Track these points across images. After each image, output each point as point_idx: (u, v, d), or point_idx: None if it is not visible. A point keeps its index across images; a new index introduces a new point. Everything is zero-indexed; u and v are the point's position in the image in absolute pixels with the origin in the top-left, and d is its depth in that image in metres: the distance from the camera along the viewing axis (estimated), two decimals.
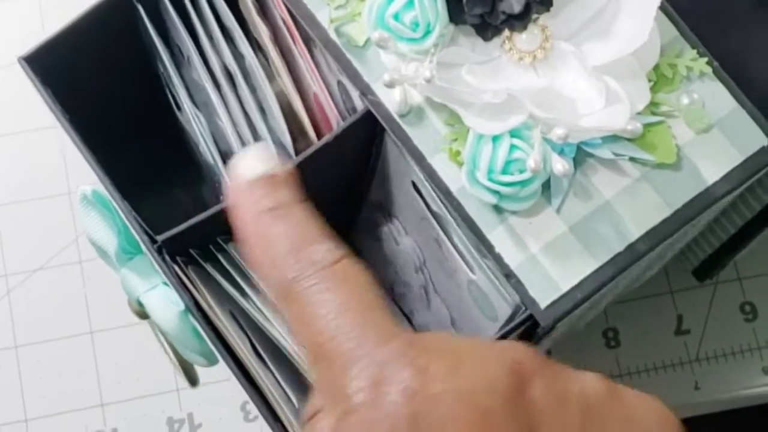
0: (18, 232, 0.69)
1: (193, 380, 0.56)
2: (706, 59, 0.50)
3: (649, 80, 0.50)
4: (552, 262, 0.48)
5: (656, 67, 0.50)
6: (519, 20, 0.48)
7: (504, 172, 0.47)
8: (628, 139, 0.49)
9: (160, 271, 0.50)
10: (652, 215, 0.49)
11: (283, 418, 0.48)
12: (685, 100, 0.50)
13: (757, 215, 0.57)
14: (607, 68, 0.48)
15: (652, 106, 0.49)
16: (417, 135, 0.49)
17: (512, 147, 0.47)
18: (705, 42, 0.51)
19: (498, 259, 0.48)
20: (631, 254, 0.48)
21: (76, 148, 0.51)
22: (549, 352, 0.67)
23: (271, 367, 0.49)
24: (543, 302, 0.47)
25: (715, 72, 0.50)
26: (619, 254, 0.48)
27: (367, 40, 0.49)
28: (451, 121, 0.49)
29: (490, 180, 0.47)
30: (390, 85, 0.46)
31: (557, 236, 0.48)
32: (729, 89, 0.50)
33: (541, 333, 0.48)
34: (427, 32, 0.48)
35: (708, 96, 0.50)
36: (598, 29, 0.49)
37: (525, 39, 0.49)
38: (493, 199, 0.47)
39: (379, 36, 0.47)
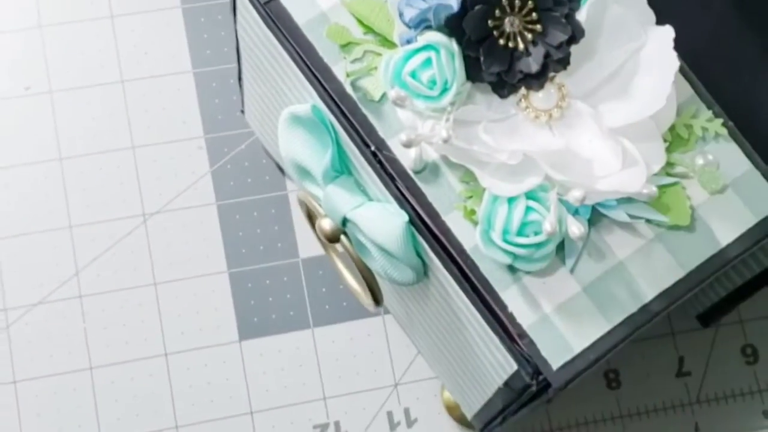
0: (18, 265, 0.69)
1: (378, 299, 0.55)
2: (721, 120, 0.50)
3: (665, 140, 0.50)
4: (565, 322, 0.48)
5: (672, 127, 0.50)
6: (536, 79, 0.48)
7: (519, 234, 0.47)
8: (644, 202, 0.49)
9: (380, 183, 0.49)
10: (666, 276, 0.49)
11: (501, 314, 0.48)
12: (700, 161, 0.50)
13: (766, 270, 0.57)
14: (624, 130, 0.48)
15: (667, 167, 0.49)
16: (432, 192, 0.49)
17: (528, 209, 0.46)
18: (717, 83, 0.51)
19: (511, 319, 0.48)
20: (645, 315, 0.48)
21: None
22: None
23: None
24: (555, 363, 0.47)
25: (730, 133, 0.50)
26: (632, 315, 0.48)
27: (383, 95, 0.49)
28: (466, 179, 0.48)
29: (506, 241, 0.47)
30: (407, 145, 0.46)
31: (571, 297, 0.48)
32: (743, 150, 0.50)
33: (551, 394, 0.48)
34: (444, 90, 0.47)
35: (722, 157, 0.50)
36: (615, 89, 0.49)
37: (541, 98, 0.48)
38: (507, 260, 0.47)
39: (396, 94, 0.46)
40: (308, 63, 0.50)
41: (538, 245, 0.47)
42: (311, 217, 0.57)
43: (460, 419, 0.66)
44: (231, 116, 0.71)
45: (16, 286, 0.68)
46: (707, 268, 0.49)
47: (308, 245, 0.69)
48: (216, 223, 0.70)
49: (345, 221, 0.52)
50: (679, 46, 0.51)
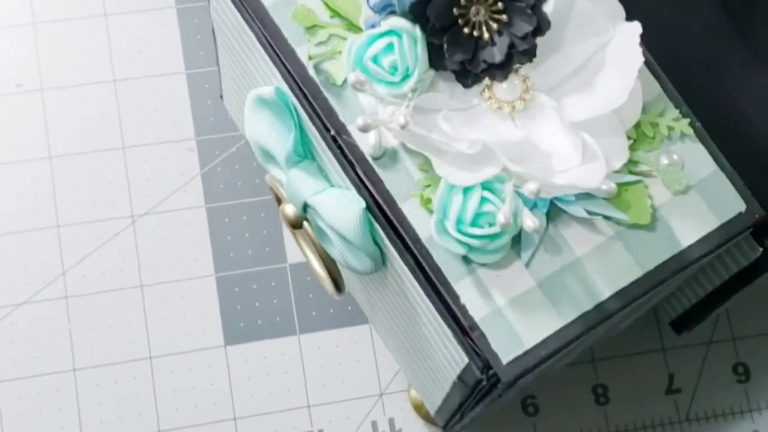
0: (4, 264, 0.68)
1: (340, 287, 0.55)
2: (688, 120, 0.49)
3: (629, 138, 0.49)
4: (518, 317, 0.47)
5: (637, 125, 0.49)
6: (500, 69, 0.47)
7: (473, 224, 0.46)
8: (604, 198, 0.48)
9: (339, 168, 0.49)
10: (623, 275, 0.48)
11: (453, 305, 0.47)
12: (665, 161, 0.49)
13: (734, 276, 0.56)
14: (587, 124, 0.47)
15: (630, 165, 0.49)
16: (390, 179, 0.48)
17: (483, 200, 0.46)
18: (700, 88, 0.50)
19: (463, 311, 0.47)
20: (600, 313, 0.47)
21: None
22: (526, 401, 0.66)
23: None
24: (505, 357, 0.47)
25: (697, 133, 0.50)
26: (587, 313, 0.47)
27: (346, 80, 0.49)
28: (425, 167, 0.48)
29: (459, 231, 0.46)
30: (364, 129, 0.46)
31: (525, 291, 0.47)
32: (710, 152, 0.50)
33: (502, 389, 0.47)
34: (406, 76, 0.47)
35: (688, 157, 0.49)
36: (580, 83, 0.48)
37: (505, 89, 0.48)
38: (461, 251, 0.47)
39: (356, 78, 0.46)
40: (273, 44, 0.49)
41: (492, 237, 0.46)
42: (279, 202, 0.57)
43: (426, 417, 0.66)
44: (222, 119, 0.71)
45: (1, 286, 0.68)
46: (666, 269, 0.48)
47: (296, 250, 0.68)
48: (205, 226, 0.69)
49: (306, 207, 0.51)
50: (663, 48, 0.51)
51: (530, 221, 0.45)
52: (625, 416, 0.68)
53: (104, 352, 0.67)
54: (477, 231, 0.46)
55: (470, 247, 0.46)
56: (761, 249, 0.51)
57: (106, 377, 0.67)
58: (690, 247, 0.48)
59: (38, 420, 0.66)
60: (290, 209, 0.52)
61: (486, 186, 0.46)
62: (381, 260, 0.51)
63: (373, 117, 0.46)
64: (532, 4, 0.47)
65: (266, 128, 0.51)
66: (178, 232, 0.69)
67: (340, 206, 0.49)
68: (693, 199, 0.49)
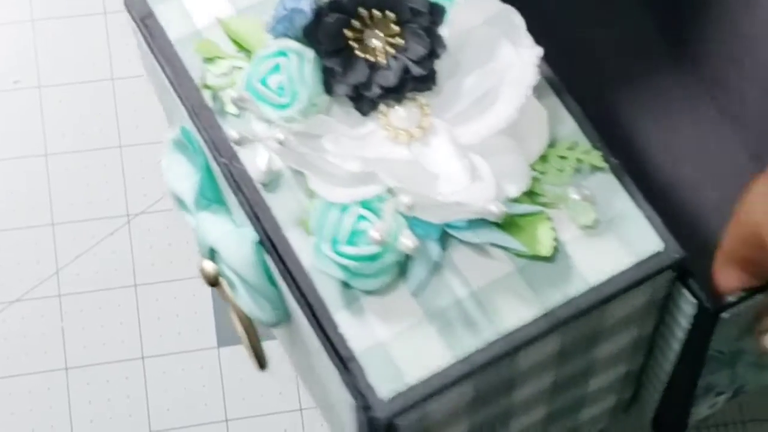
0: None
1: (262, 363, 0.53)
2: (599, 153, 0.46)
3: (539, 171, 0.46)
4: (402, 350, 0.43)
5: (546, 158, 0.46)
6: (394, 93, 0.46)
7: (349, 243, 0.43)
8: (500, 227, 0.45)
9: (235, 200, 0.47)
10: (522, 312, 0.44)
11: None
12: (575, 195, 0.46)
13: (686, 345, 0.51)
14: (482, 148, 0.45)
15: (535, 196, 0.45)
16: (278, 205, 0.46)
17: (360, 218, 0.43)
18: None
19: (340, 341, 0.44)
20: (491, 352, 0.43)
21: None
22: None
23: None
24: (383, 392, 0.43)
25: (612, 169, 0.46)
26: (477, 351, 0.43)
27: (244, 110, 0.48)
28: (314, 193, 0.46)
29: (335, 252, 0.43)
30: (238, 142, 0.44)
31: (412, 323, 0.44)
32: (626, 188, 0.46)
33: (382, 428, 0.43)
34: (294, 98, 0.45)
35: (602, 193, 0.46)
36: (477, 106, 0.46)
37: (402, 116, 0.46)
38: (340, 275, 0.44)
39: (238, 95, 0.45)
40: (173, 77, 0.49)
41: (370, 258, 0.43)
42: None
43: None
44: None
45: None
46: (570, 308, 0.44)
47: None
48: None
49: (213, 253, 0.49)
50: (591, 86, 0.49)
51: (408, 240, 0.42)
52: None
53: (96, 351, 0.66)
54: (352, 250, 0.43)
55: (349, 271, 0.43)
56: (696, 300, 0.46)
57: (98, 376, 0.65)
58: (600, 285, 0.44)
59: (29, 417, 0.65)
60: (208, 265, 0.50)
61: (366, 205, 0.44)
62: (282, 306, 0.48)
63: (249, 131, 0.45)
64: (426, 26, 0.45)
65: (178, 172, 0.50)
66: (172, 232, 0.68)
67: (236, 244, 0.47)
68: (605, 236, 0.45)
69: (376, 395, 0.43)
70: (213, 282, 0.51)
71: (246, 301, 0.49)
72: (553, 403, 0.52)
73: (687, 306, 0.47)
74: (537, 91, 0.47)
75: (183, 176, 0.50)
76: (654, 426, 0.61)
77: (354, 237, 0.43)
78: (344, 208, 0.43)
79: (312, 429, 0.63)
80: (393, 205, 0.43)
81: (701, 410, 0.60)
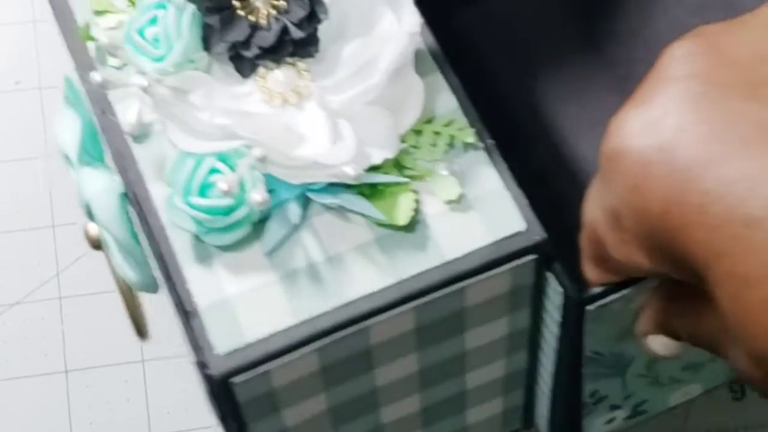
0: None
1: (141, 332, 0.52)
2: (473, 131, 0.45)
3: (413, 145, 0.45)
4: (247, 309, 0.42)
5: (420, 132, 0.46)
6: (272, 54, 0.45)
7: (201, 194, 0.43)
8: (364, 194, 0.44)
9: (109, 152, 0.46)
10: (375, 280, 0.43)
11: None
12: (443, 170, 0.45)
13: (562, 340, 0.50)
14: (350, 114, 0.44)
15: (404, 169, 0.45)
16: (144, 157, 0.46)
17: (213, 170, 0.43)
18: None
19: (186, 296, 0.43)
20: (336, 317, 0.42)
21: None
22: None
23: None
24: (220, 348, 0.42)
25: (486, 149, 0.46)
26: (322, 315, 0.42)
27: (126, 63, 0.47)
28: None
29: (187, 203, 0.43)
30: (102, 86, 0.44)
31: (263, 283, 0.43)
32: (497, 168, 0.45)
33: (217, 387, 0.42)
34: (169, 51, 0.45)
35: (472, 171, 0.45)
36: (358, 80, 0.45)
37: (279, 80, 0.45)
38: (191, 227, 0.43)
39: (108, 40, 0.45)
40: (63, 27, 0.49)
41: (222, 211, 0.42)
42: None
43: None
44: None
45: None
46: (424, 280, 0.43)
47: None
48: None
49: (90, 210, 0.49)
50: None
51: (257, 195, 0.42)
52: None
53: (96, 354, 0.65)
54: (202, 201, 0.42)
55: (201, 224, 0.43)
56: (562, 287, 0.45)
57: (98, 379, 0.65)
58: (455, 260, 0.43)
59: (30, 421, 0.64)
60: (92, 227, 0.50)
61: (222, 158, 0.43)
62: (147, 267, 0.47)
63: (112, 74, 0.44)
64: None
65: (65, 127, 0.50)
66: None
67: (105, 198, 0.47)
68: (468, 213, 0.44)
69: (213, 351, 0.42)
70: (96, 245, 0.50)
71: (119, 262, 0.48)
72: (428, 394, 0.51)
73: (555, 295, 0.46)
74: (421, 64, 0.47)
75: (68, 131, 0.50)
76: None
77: (206, 189, 0.43)
78: (200, 159, 0.43)
79: None
80: (249, 160, 0.42)
81: (596, 424, 0.58)
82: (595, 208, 0.40)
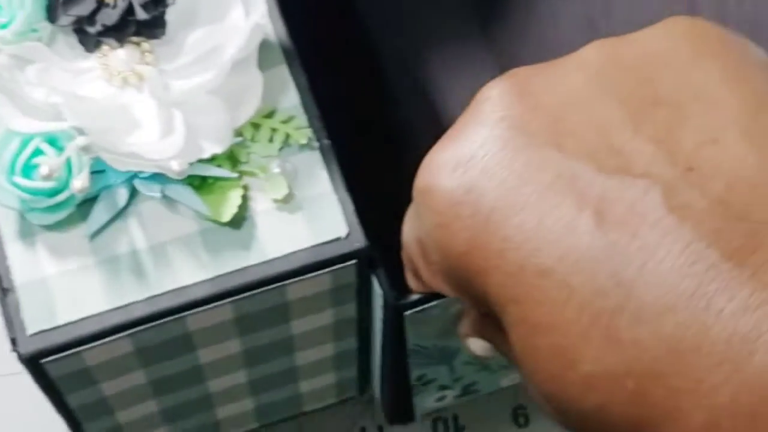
0: None
1: None
2: (308, 131, 0.46)
3: (250, 139, 0.46)
4: (63, 291, 0.43)
5: (258, 127, 0.46)
6: (115, 32, 0.45)
7: (24, 174, 0.43)
8: (192, 185, 0.44)
9: None
10: (191, 274, 0.44)
11: None
12: (276, 168, 0.45)
13: (385, 345, 0.51)
14: (186, 104, 0.44)
15: (238, 163, 0.45)
16: None
17: (38, 151, 0.43)
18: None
19: (5, 272, 0.43)
20: (151, 307, 0.43)
21: None
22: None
23: None
24: (31, 328, 0.42)
25: (322, 149, 0.46)
26: (134, 303, 0.43)
27: None
28: None
29: (10, 182, 0.43)
30: None
31: (81, 266, 0.44)
32: (329, 171, 0.46)
33: (24, 363, 0.43)
34: (12, 19, 0.45)
35: (305, 171, 0.46)
36: (201, 68, 0.45)
37: (122, 58, 0.45)
38: (14, 205, 0.43)
39: None
40: None
41: (45, 193, 0.43)
42: None
43: None
44: None
45: None
46: (240, 278, 0.44)
47: None
48: None
49: None
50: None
51: (78, 182, 0.42)
52: None
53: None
54: (25, 182, 0.42)
55: (24, 202, 0.43)
56: (382, 292, 0.46)
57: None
58: (274, 260, 0.44)
59: (29, 419, 0.60)
60: None
61: (50, 140, 0.43)
62: None
63: None
64: None
65: None
66: None
67: None
68: (295, 214, 0.45)
69: (24, 331, 0.42)
70: None
71: None
72: (255, 370, 0.52)
73: (377, 297, 0.48)
74: (269, 58, 0.47)
75: None
76: (386, 415, 0.62)
77: (29, 169, 0.43)
78: (27, 139, 0.43)
79: None
80: (76, 145, 0.43)
81: (427, 402, 0.60)
82: (409, 233, 0.41)
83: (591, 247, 0.32)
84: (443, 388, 0.59)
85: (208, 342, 0.47)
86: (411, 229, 0.40)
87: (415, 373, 0.55)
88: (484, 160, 0.35)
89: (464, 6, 0.63)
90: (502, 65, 0.63)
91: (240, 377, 0.52)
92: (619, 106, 0.34)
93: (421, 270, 0.41)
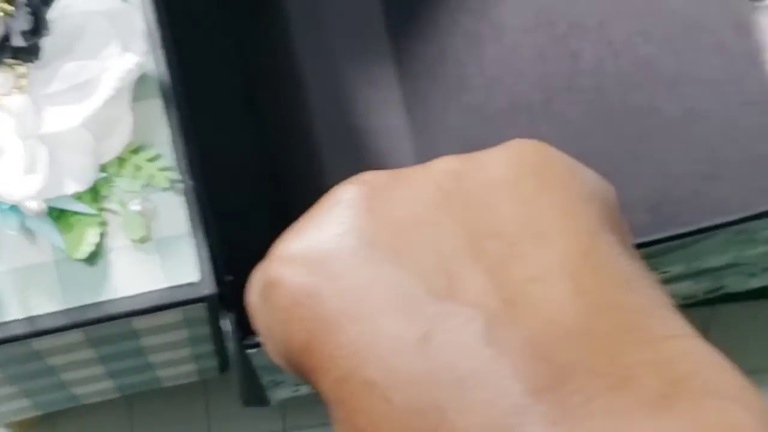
0: None
1: None
2: (171, 173, 0.47)
3: (115, 174, 0.47)
4: None
5: (125, 163, 0.47)
6: None
7: None
8: (52, 216, 0.46)
9: None
10: (42, 304, 0.46)
11: None
12: (136, 206, 0.47)
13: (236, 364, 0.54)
14: (54, 138, 0.45)
15: (100, 198, 0.46)
16: None
17: None
18: None
19: None
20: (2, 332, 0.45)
21: None
22: None
23: None
24: None
25: (185, 191, 0.48)
26: None
27: None
28: None
29: None
30: None
31: None
32: (189, 214, 0.47)
33: None
34: None
35: (166, 212, 0.47)
36: (72, 96, 0.46)
37: None
38: None
39: None
40: None
41: None
42: None
43: None
44: None
45: None
46: (89, 313, 0.46)
47: None
48: None
49: None
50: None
51: None
52: None
53: None
54: None
55: None
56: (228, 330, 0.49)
57: None
58: (123, 299, 0.46)
59: None
60: None
61: None
62: None
63: None
64: (33, 9, 0.45)
65: None
66: None
67: None
68: (151, 255, 0.47)
69: None
70: None
71: None
72: (111, 366, 0.54)
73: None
74: (146, 94, 0.48)
75: None
76: (240, 397, 0.65)
77: None
78: None
79: None
80: None
81: (283, 393, 0.63)
82: (255, 307, 0.42)
83: (413, 370, 0.34)
84: (297, 384, 0.62)
85: (59, 353, 0.49)
86: (258, 306, 0.42)
87: (265, 379, 0.58)
88: (331, 266, 0.36)
89: (381, 56, 0.63)
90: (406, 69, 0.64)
91: (97, 370, 0.54)
92: (460, 232, 0.35)
93: (262, 339, 0.43)
